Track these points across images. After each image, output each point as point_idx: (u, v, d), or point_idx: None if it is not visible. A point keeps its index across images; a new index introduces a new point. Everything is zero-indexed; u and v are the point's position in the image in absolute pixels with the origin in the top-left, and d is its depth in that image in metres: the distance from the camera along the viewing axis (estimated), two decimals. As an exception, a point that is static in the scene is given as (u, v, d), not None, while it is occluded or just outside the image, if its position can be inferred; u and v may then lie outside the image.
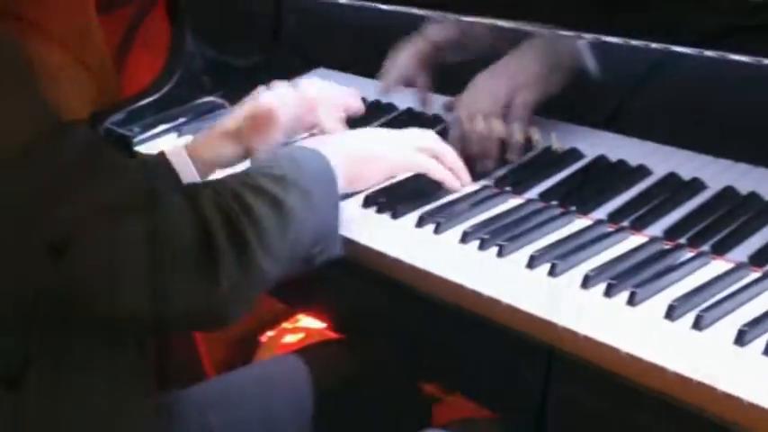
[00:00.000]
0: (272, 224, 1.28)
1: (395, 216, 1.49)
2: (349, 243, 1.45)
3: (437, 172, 1.53)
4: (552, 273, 1.32)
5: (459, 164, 1.55)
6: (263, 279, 1.29)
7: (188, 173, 1.52)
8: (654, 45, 1.37)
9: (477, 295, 1.31)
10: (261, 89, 1.64)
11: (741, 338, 1.15)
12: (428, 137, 1.56)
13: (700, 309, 1.21)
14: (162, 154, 1.54)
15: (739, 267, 1.30)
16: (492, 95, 1.60)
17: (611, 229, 1.41)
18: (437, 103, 1.79)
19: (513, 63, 1.60)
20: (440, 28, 1.71)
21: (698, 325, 1.19)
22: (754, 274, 1.28)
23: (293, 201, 1.31)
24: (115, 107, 2.08)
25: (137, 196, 1.22)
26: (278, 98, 1.62)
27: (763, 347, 1.14)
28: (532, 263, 1.34)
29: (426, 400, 1.77)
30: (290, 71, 2.05)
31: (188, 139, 1.89)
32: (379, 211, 1.51)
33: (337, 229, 1.41)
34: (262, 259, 1.26)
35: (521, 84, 1.58)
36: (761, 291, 1.25)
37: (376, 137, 1.55)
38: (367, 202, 1.53)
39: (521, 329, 1.28)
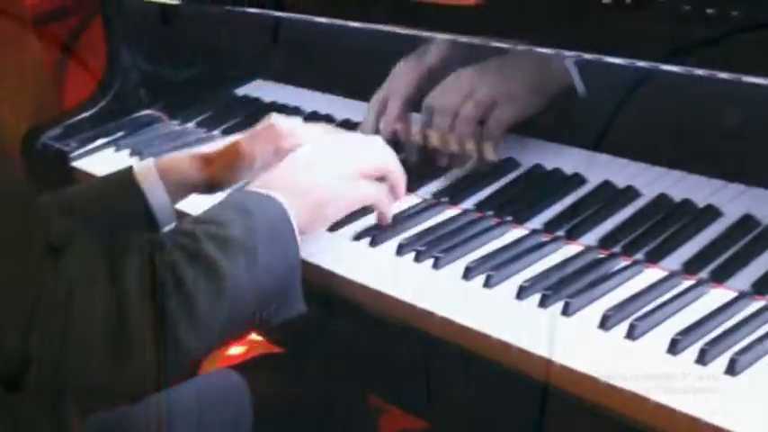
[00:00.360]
0: (205, 300, 1.20)
1: (331, 229, 1.49)
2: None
3: (383, 206, 1.45)
4: (487, 284, 1.32)
5: (401, 182, 1.47)
6: (187, 356, 1.22)
7: (157, 192, 1.45)
8: (587, 56, 1.37)
9: (411, 308, 1.31)
10: (269, 117, 1.52)
11: (674, 347, 1.16)
12: (379, 155, 1.44)
13: (633, 318, 1.21)
14: (130, 171, 1.47)
15: (673, 275, 1.30)
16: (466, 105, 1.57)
17: (546, 239, 1.41)
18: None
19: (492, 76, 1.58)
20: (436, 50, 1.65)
21: (631, 334, 1.19)
22: (688, 282, 1.28)
23: (237, 268, 1.23)
24: (52, 122, 2.06)
25: (42, 262, 1.16)
26: (264, 141, 1.50)
27: (695, 356, 1.14)
28: (468, 274, 1.34)
29: (371, 413, 1.76)
30: (227, 83, 2.06)
31: (127, 152, 1.91)
32: (316, 224, 1.50)
33: (297, 284, 1.32)
34: (187, 337, 1.20)
35: (499, 98, 1.55)
36: (694, 298, 1.25)
37: (327, 170, 1.39)
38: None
39: (456, 341, 1.27)
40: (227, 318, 1.23)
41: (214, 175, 1.49)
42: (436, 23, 1.54)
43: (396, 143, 1.61)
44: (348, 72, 1.81)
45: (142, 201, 1.44)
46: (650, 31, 1.32)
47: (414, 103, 1.65)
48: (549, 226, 1.43)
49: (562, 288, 1.28)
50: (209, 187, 1.50)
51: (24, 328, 1.14)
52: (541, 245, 1.39)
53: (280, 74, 2.01)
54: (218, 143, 1.53)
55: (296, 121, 1.55)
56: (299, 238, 1.31)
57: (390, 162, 1.44)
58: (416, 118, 1.65)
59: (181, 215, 1.46)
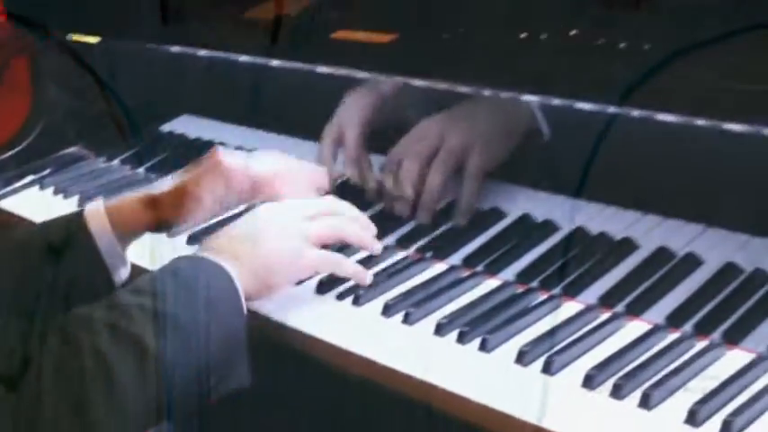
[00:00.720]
0: (130, 381, 1.18)
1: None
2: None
3: (346, 269, 1.41)
4: (406, 321, 1.32)
5: (364, 232, 1.45)
6: None
7: (105, 235, 1.41)
8: (503, 94, 1.39)
9: (331, 347, 1.31)
10: (215, 153, 1.46)
11: (589, 382, 1.17)
12: (331, 221, 1.41)
13: (550, 353, 1.22)
14: (81, 214, 1.43)
15: (590, 309, 1.31)
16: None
17: (465, 274, 1.42)
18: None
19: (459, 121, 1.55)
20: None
21: (548, 370, 1.20)
22: (604, 315, 1.30)
23: (168, 346, 1.20)
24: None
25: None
26: (211, 178, 1.45)
27: (609, 390, 1.15)
28: (387, 311, 1.34)
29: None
30: (153, 119, 2.06)
31: (51, 190, 1.90)
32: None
33: (242, 355, 1.28)
34: (107, 421, 1.16)
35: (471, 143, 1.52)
36: (610, 332, 1.27)
37: (275, 237, 1.36)
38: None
39: (376, 380, 1.27)
40: (155, 398, 1.20)
41: (163, 216, 1.45)
42: (355, 60, 1.55)
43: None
44: (271, 107, 1.81)
45: (92, 244, 1.41)
46: (560, 67, 1.35)
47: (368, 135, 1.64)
48: (469, 261, 1.44)
49: (480, 324, 1.29)
50: (161, 228, 1.47)
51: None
52: (461, 280, 1.40)
53: (205, 109, 2.01)
54: (166, 182, 1.48)
55: (242, 156, 1.50)
56: (244, 304, 1.30)
57: (345, 227, 1.42)
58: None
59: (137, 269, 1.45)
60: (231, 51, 1.75)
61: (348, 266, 1.41)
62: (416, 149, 1.53)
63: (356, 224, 1.44)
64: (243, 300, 1.30)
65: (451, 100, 1.53)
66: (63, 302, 1.34)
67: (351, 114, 1.64)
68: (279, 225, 1.38)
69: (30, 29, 2.09)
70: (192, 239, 1.59)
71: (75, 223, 1.43)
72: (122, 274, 1.43)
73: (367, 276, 1.41)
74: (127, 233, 1.44)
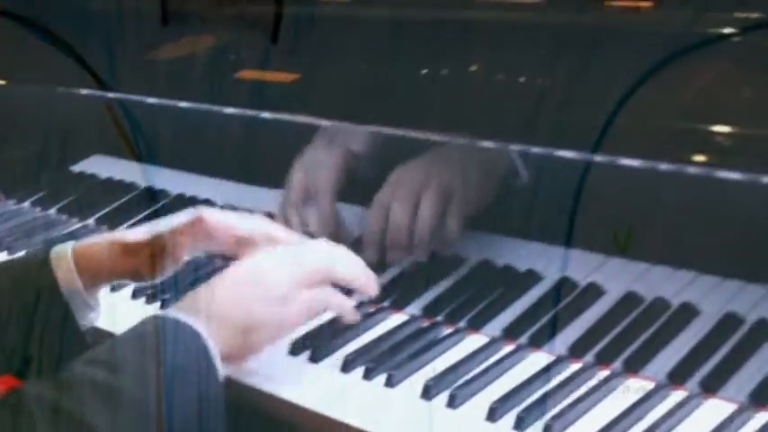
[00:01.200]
0: None
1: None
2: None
3: (335, 309, 1.34)
4: (313, 359, 1.33)
5: (359, 284, 1.34)
6: None
7: (69, 279, 1.33)
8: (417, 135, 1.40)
9: (238, 385, 1.30)
10: (198, 210, 1.37)
11: (492, 415, 1.18)
12: (317, 266, 1.30)
13: (454, 387, 1.23)
14: (46, 254, 1.35)
15: (494, 341, 1.33)
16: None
17: (372, 310, 1.43)
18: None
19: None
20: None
21: (452, 403, 1.21)
22: (508, 348, 1.31)
23: (125, 424, 1.11)
24: None
25: None
26: (191, 235, 1.36)
27: (513, 422, 1.16)
28: (294, 350, 1.35)
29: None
30: (63, 160, 2.05)
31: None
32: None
33: (217, 420, 1.18)
34: None
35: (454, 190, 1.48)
36: (513, 364, 1.28)
37: (255, 294, 1.25)
38: (135, 294, 1.54)
39: (285, 417, 1.28)
40: None
41: (137, 267, 1.36)
42: (259, 100, 1.56)
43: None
44: (181, 147, 1.82)
45: (56, 287, 1.34)
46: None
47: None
48: (376, 297, 1.45)
49: (386, 359, 1.30)
50: (134, 277, 1.39)
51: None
52: (368, 316, 1.41)
53: (115, 149, 2.00)
54: (143, 231, 1.38)
55: (230, 213, 1.40)
56: (220, 370, 1.18)
57: (336, 269, 1.31)
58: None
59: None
60: (138, 94, 1.76)
61: (338, 301, 1.33)
62: (402, 194, 1.48)
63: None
64: (218, 362, 1.18)
65: (402, 147, 1.51)
66: (23, 349, 1.30)
67: (320, 176, 1.58)
68: (264, 278, 1.27)
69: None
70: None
71: (38, 265, 1.36)
72: (92, 319, 1.37)
73: (356, 315, 1.36)
74: (96, 278, 1.36)
